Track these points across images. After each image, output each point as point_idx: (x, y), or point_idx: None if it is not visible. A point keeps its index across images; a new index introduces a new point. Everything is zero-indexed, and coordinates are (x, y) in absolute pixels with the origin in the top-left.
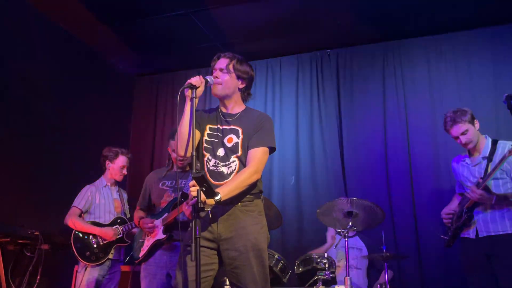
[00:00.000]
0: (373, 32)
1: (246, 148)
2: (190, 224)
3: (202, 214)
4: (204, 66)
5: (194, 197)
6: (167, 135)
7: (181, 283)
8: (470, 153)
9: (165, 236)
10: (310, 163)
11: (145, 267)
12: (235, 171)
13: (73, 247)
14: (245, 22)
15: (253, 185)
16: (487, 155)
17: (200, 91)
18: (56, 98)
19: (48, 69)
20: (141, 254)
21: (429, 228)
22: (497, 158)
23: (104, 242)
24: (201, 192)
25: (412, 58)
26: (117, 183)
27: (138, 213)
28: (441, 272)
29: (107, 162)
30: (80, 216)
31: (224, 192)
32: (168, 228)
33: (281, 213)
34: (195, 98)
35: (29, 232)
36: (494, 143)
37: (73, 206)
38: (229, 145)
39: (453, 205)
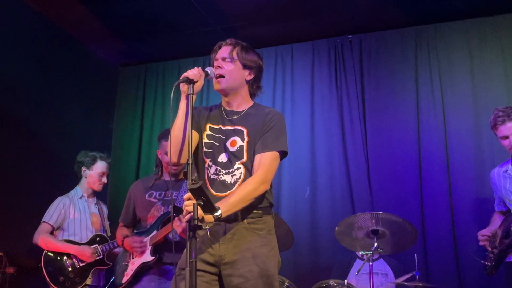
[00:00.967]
0: (403, 14)
1: (253, 152)
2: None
3: (201, 232)
4: (202, 54)
5: (189, 212)
6: (157, 136)
7: None
8: None
9: (153, 258)
10: (328, 171)
11: None
12: (240, 180)
13: (44, 271)
14: (250, 1)
15: (261, 198)
16: None
17: (198, 86)
18: (22, 92)
19: (13, 56)
20: (125, 279)
21: (470, 251)
22: None
23: (81, 264)
24: (198, 206)
25: (450, 45)
26: (95, 193)
27: (122, 231)
28: None
29: (83, 168)
30: (51, 233)
31: (225, 207)
32: (157, 249)
33: (293, 231)
34: (193, 94)
35: None
36: None
37: (43, 221)
38: (232, 149)
39: (494, 226)
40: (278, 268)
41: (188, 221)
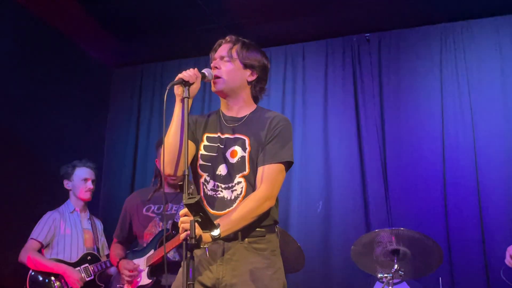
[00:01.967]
0: (427, 10)
1: (256, 164)
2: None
3: (198, 252)
4: (204, 54)
5: (186, 230)
6: (153, 144)
7: None
8: None
9: (150, 281)
10: (343, 183)
11: None
12: (241, 196)
13: None
14: None
15: (265, 215)
16: None
17: (195, 88)
18: (5, 95)
19: None
20: None
21: (501, 271)
22: None
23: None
24: (196, 223)
25: (478, 44)
26: (88, 208)
27: (116, 249)
28: None
29: (65, 182)
30: (40, 251)
31: (225, 225)
32: (155, 271)
33: (303, 251)
34: (189, 97)
35: None
36: None
37: (31, 238)
38: (232, 160)
39: None
40: None
41: (185, 240)
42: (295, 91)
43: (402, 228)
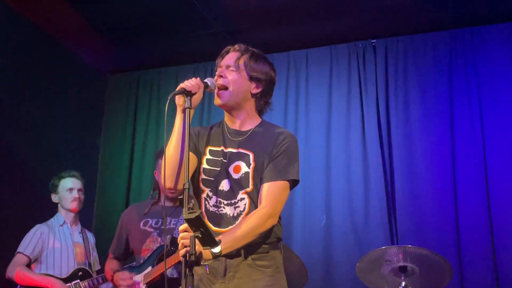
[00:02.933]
0: (436, 15)
1: (260, 180)
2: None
3: (198, 269)
4: (204, 60)
5: (186, 246)
6: (150, 155)
7: None
8: None
9: None
10: (348, 196)
11: None
12: (244, 213)
13: None
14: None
15: (268, 233)
16: None
17: (197, 98)
18: None
19: None
20: None
21: None
22: None
23: None
24: (196, 239)
25: (490, 50)
26: (79, 220)
27: (111, 264)
28: None
29: (52, 196)
30: (28, 266)
31: (226, 243)
32: None
33: (306, 266)
34: (190, 108)
35: None
36: None
37: (18, 252)
38: (236, 176)
39: None
40: None
41: (184, 257)
42: (298, 99)
43: (410, 246)
